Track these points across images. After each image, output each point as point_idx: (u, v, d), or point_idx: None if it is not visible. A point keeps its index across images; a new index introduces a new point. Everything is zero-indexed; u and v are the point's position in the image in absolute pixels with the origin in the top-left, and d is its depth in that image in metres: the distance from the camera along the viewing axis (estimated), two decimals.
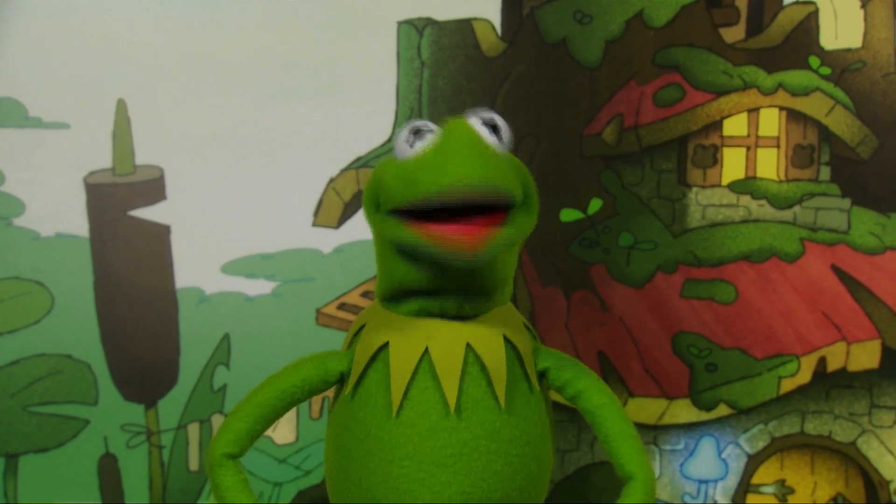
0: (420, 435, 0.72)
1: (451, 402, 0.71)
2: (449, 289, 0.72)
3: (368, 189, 0.73)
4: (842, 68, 1.09)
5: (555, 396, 0.80)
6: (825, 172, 1.10)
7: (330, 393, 0.79)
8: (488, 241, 0.67)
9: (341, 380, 0.76)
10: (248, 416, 0.75)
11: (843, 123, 1.09)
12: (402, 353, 0.72)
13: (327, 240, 1.11)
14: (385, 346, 0.73)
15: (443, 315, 0.73)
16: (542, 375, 0.77)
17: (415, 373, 0.72)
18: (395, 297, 0.74)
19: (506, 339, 0.74)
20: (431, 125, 0.70)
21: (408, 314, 0.74)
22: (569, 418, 1.12)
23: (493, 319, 0.74)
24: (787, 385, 1.11)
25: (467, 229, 0.67)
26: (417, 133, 0.69)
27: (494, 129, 0.71)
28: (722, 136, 1.10)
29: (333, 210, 1.11)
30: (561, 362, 0.77)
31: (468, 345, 0.72)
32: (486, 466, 0.72)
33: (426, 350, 0.72)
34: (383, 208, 0.71)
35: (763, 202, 1.10)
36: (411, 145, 0.69)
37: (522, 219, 0.71)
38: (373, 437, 0.72)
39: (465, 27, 1.10)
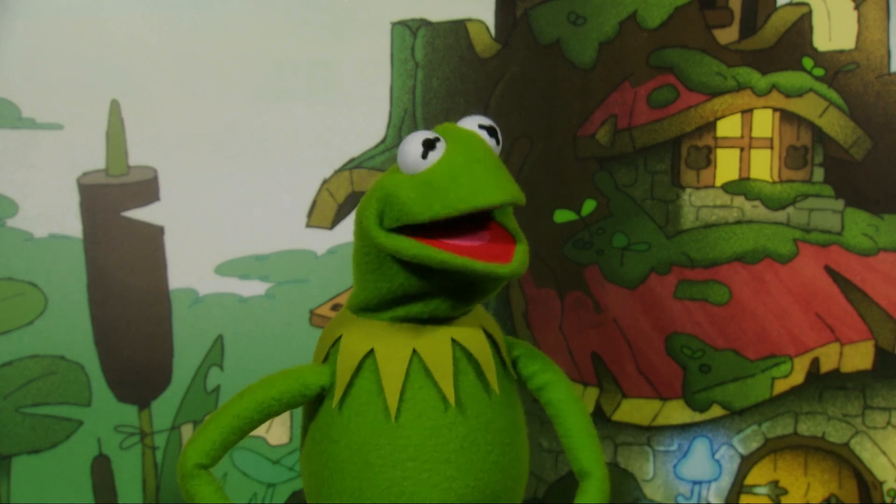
0: (421, 434, 0.72)
1: (451, 396, 0.72)
2: (443, 293, 0.72)
3: (373, 203, 0.71)
4: (835, 69, 1.09)
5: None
6: (819, 174, 1.10)
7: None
8: (518, 259, 0.67)
9: (320, 394, 0.75)
10: (224, 426, 0.74)
11: (836, 125, 1.09)
12: (390, 357, 0.72)
13: (321, 241, 1.11)
14: (370, 353, 0.73)
15: (431, 318, 0.73)
16: (513, 363, 0.78)
17: (407, 374, 0.72)
18: (380, 306, 0.73)
19: (484, 331, 0.74)
20: (436, 135, 0.70)
21: (389, 321, 0.73)
22: None
23: (468, 315, 0.75)
24: (781, 386, 1.11)
25: (490, 247, 0.68)
26: (430, 145, 0.68)
27: (493, 132, 0.71)
28: (715, 138, 1.10)
29: (327, 211, 1.11)
30: (531, 352, 0.79)
31: (453, 339, 0.73)
32: (485, 458, 0.73)
33: (414, 351, 0.72)
34: (389, 224, 0.70)
35: (757, 203, 1.10)
36: (424, 157, 0.68)
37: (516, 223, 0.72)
38: (370, 445, 0.72)
39: (459, 28, 1.10)
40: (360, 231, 0.72)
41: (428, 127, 1.07)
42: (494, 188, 0.66)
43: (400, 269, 0.71)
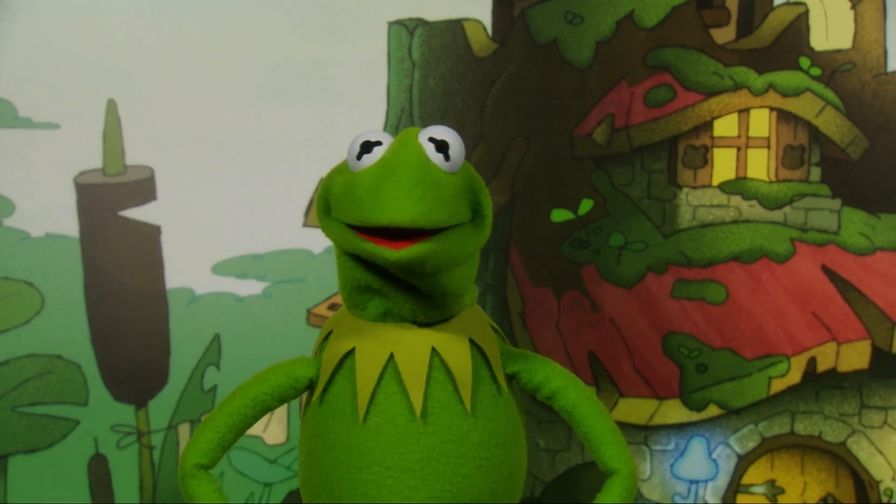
0: (387, 441, 0.71)
1: (417, 406, 0.71)
2: (400, 291, 0.71)
3: (320, 194, 0.73)
4: (832, 69, 1.09)
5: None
6: (815, 173, 1.10)
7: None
8: (408, 250, 0.67)
9: (311, 386, 0.76)
10: (220, 425, 0.74)
11: (833, 124, 1.09)
12: (368, 359, 0.72)
13: (318, 240, 1.11)
14: (351, 352, 0.73)
15: (404, 319, 0.73)
16: (511, 377, 0.77)
17: (380, 378, 0.72)
18: (356, 300, 0.74)
19: (472, 343, 0.74)
20: (384, 137, 0.70)
21: (374, 319, 0.73)
22: (558, 418, 1.12)
23: (459, 323, 0.74)
24: (778, 385, 1.11)
25: (394, 244, 0.67)
26: (366, 147, 0.69)
27: (443, 147, 0.69)
28: (712, 137, 1.10)
29: None
30: (531, 364, 0.77)
31: (433, 349, 0.72)
32: (454, 470, 0.72)
33: (391, 356, 0.72)
34: (332, 214, 0.71)
35: (753, 203, 1.10)
36: (359, 159, 0.69)
37: (466, 231, 0.70)
38: (341, 443, 0.72)
39: (455, 28, 1.10)
40: None
41: (425, 126, 1.07)
42: (393, 210, 0.65)
43: (353, 262, 0.72)
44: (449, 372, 0.72)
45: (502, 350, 0.77)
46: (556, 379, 0.76)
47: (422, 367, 0.72)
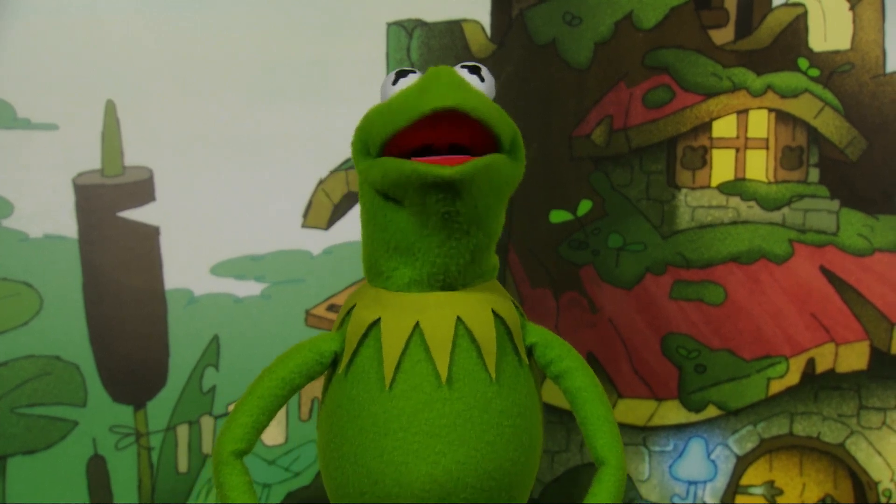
0: (413, 407, 0.72)
1: (443, 373, 0.72)
2: (432, 243, 0.72)
3: (357, 135, 0.74)
4: (830, 70, 1.09)
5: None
6: (814, 174, 1.10)
7: (319, 383, 0.80)
8: (462, 166, 0.68)
9: (335, 361, 0.77)
10: (252, 409, 0.75)
11: (831, 125, 1.09)
12: (394, 327, 0.73)
13: (317, 241, 1.11)
14: (376, 322, 0.74)
15: (431, 285, 0.74)
16: (529, 351, 0.78)
17: (406, 346, 0.73)
18: (380, 269, 0.75)
19: (494, 313, 0.75)
20: (415, 69, 0.74)
21: (398, 289, 0.74)
22: (558, 419, 1.12)
23: (482, 294, 0.75)
24: (776, 386, 1.11)
25: (448, 159, 0.69)
26: (402, 73, 0.72)
27: (474, 70, 0.73)
28: (711, 138, 1.10)
29: (323, 211, 1.11)
30: (548, 339, 0.79)
31: (458, 318, 0.73)
32: (479, 437, 0.73)
33: (417, 324, 0.73)
34: (372, 150, 0.72)
35: (752, 204, 1.10)
36: (394, 83, 0.72)
37: (506, 161, 0.72)
38: (367, 412, 0.73)
39: (454, 28, 1.10)
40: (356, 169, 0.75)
41: None
42: (440, 97, 0.67)
43: (388, 210, 0.72)
44: (474, 340, 0.74)
45: (522, 324, 0.78)
46: (567, 359, 0.78)
47: (447, 335, 0.73)
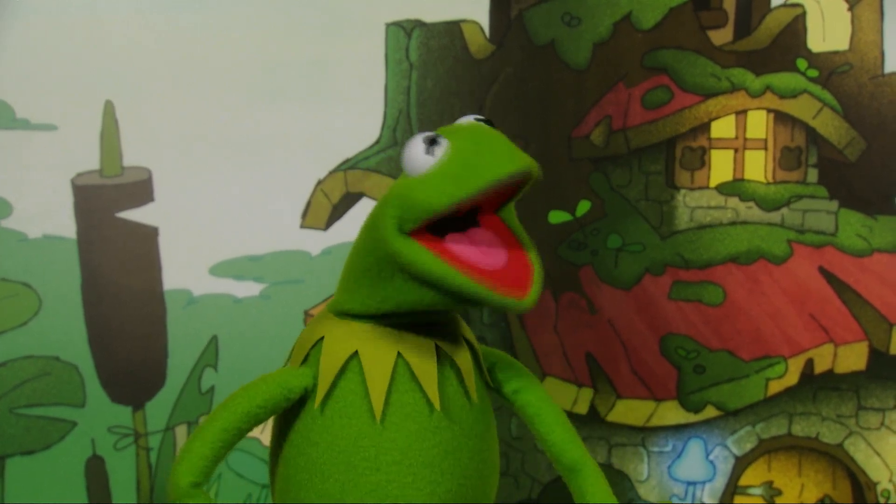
0: (407, 438, 0.71)
1: (436, 401, 0.71)
2: (443, 305, 0.69)
3: (389, 210, 0.67)
4: (829, 70, 1.09)
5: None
6: (813, 174, 1.10)
7: None
8: (535, 289, 0.66)
9: (303, 396, 0.74)
10: (214, 441, 0.72)
11: (830, 125, 1.09)
12: (375, 359, 0.71)
13: (315, 241, 1.11)
14: (354, 355, 0.72)
15: (414, 324, 0.72)
16: (488, 371, 0.78)
17: (392, 377, 0.71)
18: (366, 314, 0.72)
19: (465, 340, 0.74)
20: (435, 133, 0.67)
21: (372, 324, 0.72)
22: None
23: (447, 319, 0.74)
24: (775, 387, 1.11)
25: (508, 271, 0.66)
26: (432, 141, 0.66)
27: (490, 125, 0.70)
28: (710, 139, 1.10)
29: (321, 212, 1.11)
30: (504, 361, 0.78)
31: (437, 346, 0.72)
32: (467, 463, 0.72)
33: (399, 354, 0.71)
34: (410, 227, 0.66)
35: (751, 204, 1.10)
36: (428, 153, 0.66)
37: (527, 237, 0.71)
38: (354, 447, 0.71)
39: (453, 29, 1.10)
40: (372, 238, 0.70)
41: (422, 127, 1.07)
42: (511, 159, 0.64)
43: (403, 284, 0.68)
44: (453, 367, 0.73)
45: (480, 347, 0.78)
46: (522, 377, 0.77)
47: (431, 363, 0.71)
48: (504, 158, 0.64)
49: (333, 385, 0.72)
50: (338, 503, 0.72)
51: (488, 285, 0.64)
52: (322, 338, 0.74)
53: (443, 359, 0.72)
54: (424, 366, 0.71)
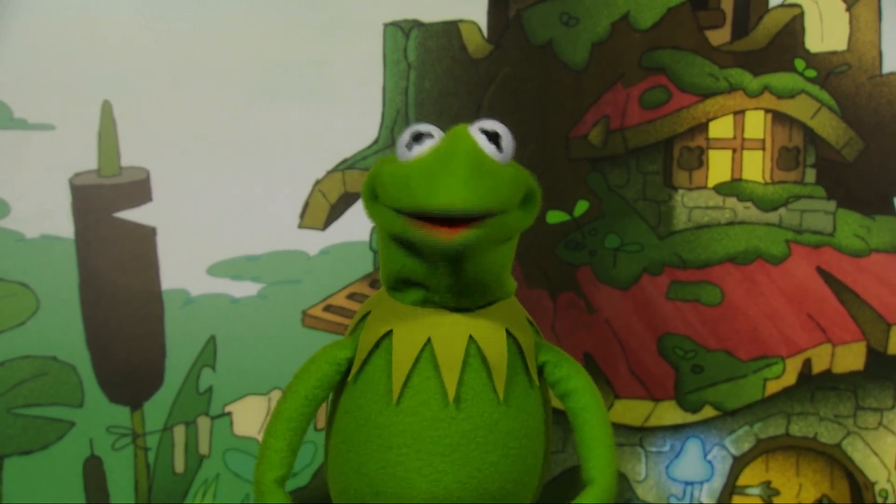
0: (419, 424, 0.73)
1: (451, 392, 0.72)
2: (441, 282, 0.72)
3: (367, 181, 0.73)
4: (827, 71, 1.09)
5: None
6: (811, 175, 1.10)
7: None
8: (462, 235, 0.67)
9: (349, 366, 0.77)
10: (284, 432, 0.76)
11: (828, 126, 1.09)
12: (405, 341, 0.73)
13: (313, 241, 1.11)
14: (389, 333, 0.74)
15: (444, 306, 0.74)
16: (540, 369, 0.78)
17: (416, 362, 0.73)
18: (396, 285, 0.75)
19: (508, 333, 0.75)
20: (434, 130, 0.71)
21: (412, 304, 0.74)
22: (554, 420, 1.12)
23: (496, 313, 0.75)
24: (773, 387, 1.11)
25: (448, 230, 0.67)
26: (417, 138, 0.70)
27: (495, 137, 0.71)
28: (708, 139, 1.10)
29: (320, 212, 1.11)
30: (558, 358, 0.78)
31: (470, 337, 0.73)
32: (483, 457, 0.73)
33: (429, 340, 0.73)
34: (380, 201, 0.72)
35: (749, 204, 1.10)
36: (410, 149, 0.70)
37: (509, 218, 0.71)
38: (373, 423, 0.73)
39: (451, 29, 1.10)
40: None
41: None
42: (449, 194, 0.66)
43: (398, 250, 0.72)
44: (484, 360, 0.73)
45: (535, 342, 0.78)
46: (573, 379, 0.78)
47: (458, 354, 0.73)
48: (441, 193, 0.66)
49: (366, 360, 0.75)
50: (357, 474, 0.74)
51: (425, 231, 0.67)
52: (369, 312, 0.77)
53: (474, 350, 0.73)
54: (450, 356, 0.73)
